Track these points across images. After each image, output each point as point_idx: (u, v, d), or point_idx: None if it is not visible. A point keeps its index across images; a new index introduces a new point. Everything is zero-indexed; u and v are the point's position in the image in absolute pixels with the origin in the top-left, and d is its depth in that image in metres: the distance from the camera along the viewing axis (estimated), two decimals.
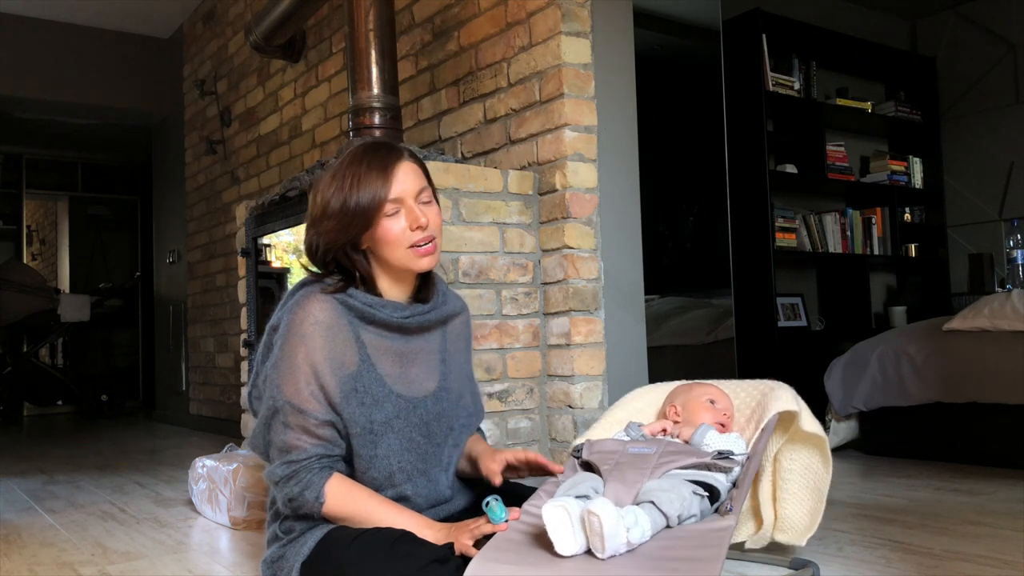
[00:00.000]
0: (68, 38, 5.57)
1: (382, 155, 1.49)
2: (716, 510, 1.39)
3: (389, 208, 1.46)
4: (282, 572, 1.42)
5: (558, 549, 1.21)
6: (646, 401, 1.85)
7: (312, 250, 1.51)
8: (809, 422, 1.64)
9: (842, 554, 1.85)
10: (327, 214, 1.46)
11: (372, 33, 2.60)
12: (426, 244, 1.48)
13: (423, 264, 1.49)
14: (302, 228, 2.70)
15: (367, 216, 1.45)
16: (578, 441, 1.68)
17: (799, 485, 1.71)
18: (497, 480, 1.51)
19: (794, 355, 4.24)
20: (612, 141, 2.66)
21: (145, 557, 2.06)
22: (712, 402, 1.69)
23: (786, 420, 1.67)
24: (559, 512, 1.22)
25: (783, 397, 1.65)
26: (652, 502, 1.30)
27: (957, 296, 5.02)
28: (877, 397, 3.24)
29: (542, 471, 1.53)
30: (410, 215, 1.46)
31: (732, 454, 1.51)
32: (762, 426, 1.61)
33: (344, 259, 1.49)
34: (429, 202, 1.51)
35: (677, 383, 1.83)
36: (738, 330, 3.70)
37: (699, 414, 1.66)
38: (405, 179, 1.48)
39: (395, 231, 1.46)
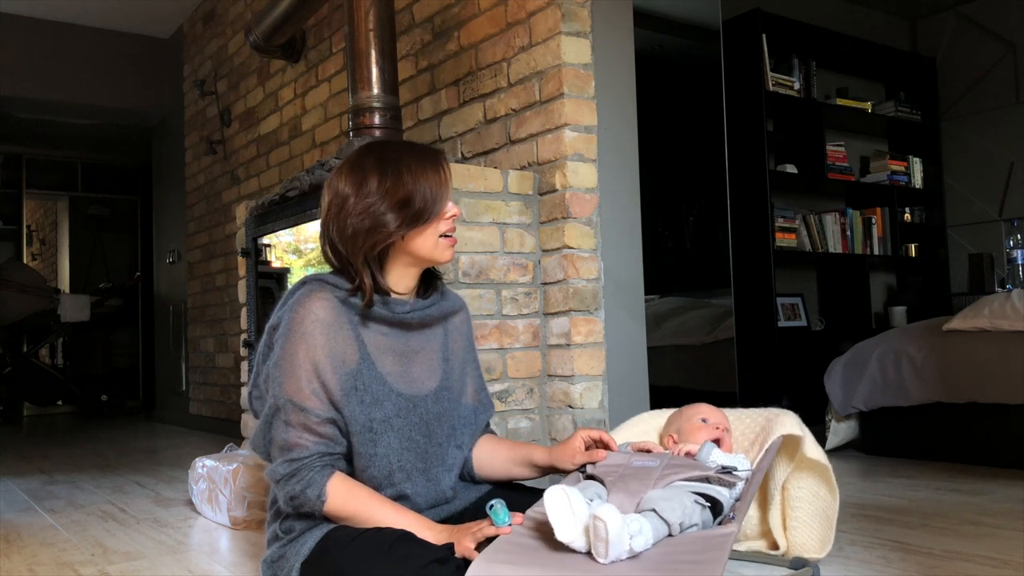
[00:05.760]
0: (68, 38, 5.57)
1: (432, 154, 1.53)
2: (720, 523, 1.39)
3: None
4: (282, 572, 1.42)
5: (556, 534, 1.22)
6: (651, 424, 1.86)
7: (350, 242, 1.48)
8: (812, 449, 1.66)
9: (842, 554, 1.85)
10: (384, 208, 1.46)
11: (372, 33, 2.60)
12: (453, 234, 1.53)
13: (448, 254, 1.54)
14: (302, 228, 2.72)
15: (433, 213, 1.49)
16: None
17: (807, 513, 1.74)
18: (579, 459, 1.55)
19: (794, 355, 4.24)
20: (612, 141, 2.66)
21: (145, 557, 2.07)
22: (704, 420, 1.70)
23: (791, 447, 1.69)
24: (559, 495, 1.22)
25: (787, 423, 1.67)
26: (654, 510, 1.30)
27: (957, 296, 5.02)
28: (877, 397, 3.24)
29: (605, 448, 1.57)
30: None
31: (736, 470, 1.51)
32: (766, 447, 1.62)
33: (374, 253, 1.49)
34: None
35: (675, 410, 1.84)
36: (738, 330, 3.70)
37: (694, 435, 1.68)
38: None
39: (435, 222, 1.51)
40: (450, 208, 1.52)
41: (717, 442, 1.64)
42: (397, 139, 1.62)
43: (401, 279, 1.54)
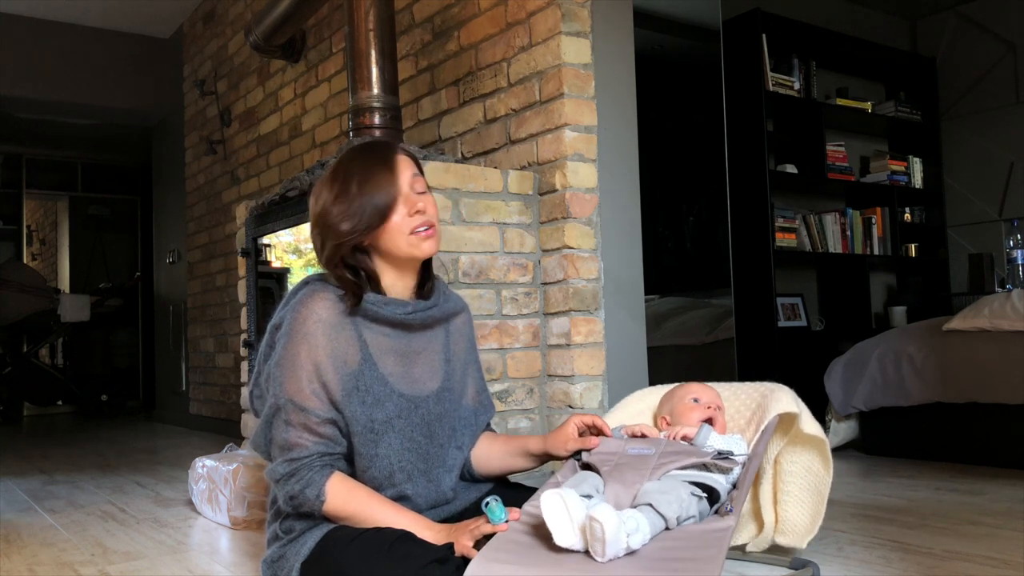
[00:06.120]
0: (68, 38, 5.57)
1: (381, 153, 1.52)
2: (716, 511, 1.39)
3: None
4: (282, 572, 1.42)
5: (555, 539, 1.21)
6: (646, 403, 1.85)
7: (320, 252, 1.52)
8: (809, 424, 1.64)
9: (842, 554, 1.85)
10: (335, 216, 1.47)
11: (372, 33, 2.60)
12: (426, 229, 1.50)
13: (425, 248, 1.51)
14: (302, 228, 2.72)
15: (382, 214, 1.47)
16: None
17: (800, 487, 1.71)
18: (572, 446, 1.55)
19: (794, 355, 4.24)
20: (612, 141, 2.66)
21: (145, 557, 2.07)
22: (696, 400, 1.69)
23: (786, 422, 1.67)
24: (555, 500, 1.22)
25: (783, 399, 1.65)
26: (650, 505, 1.29)
27: (957, 296, 5.02)
28: (877, 397, 3.24)
29: (599, 434, 1.57)
30: (407, 202, 1.49)
31: (732, 454, 1.51)
32: (762, 428, 1.61)
33: (350, 258, 1.50)
34: (423, 191, 1.53)
35: (668, 388, 1.83)
36: (738, 330, 3.70)
37: (686, 416, 1.67)
38: (403, 170, 1.51)
39: (395, 220, 1.49)
40: (412, 203, 1.49)
41: (710, 421, 1.63)
42: (371, 140, 1.63)
43: (396, 281, 1.54)
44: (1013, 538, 1.95)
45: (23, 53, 5.41)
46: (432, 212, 1.52)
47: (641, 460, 1.45)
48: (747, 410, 1.73)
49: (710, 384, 1.77)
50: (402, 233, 1.49)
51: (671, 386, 1.82)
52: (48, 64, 5.51)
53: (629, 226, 2.70)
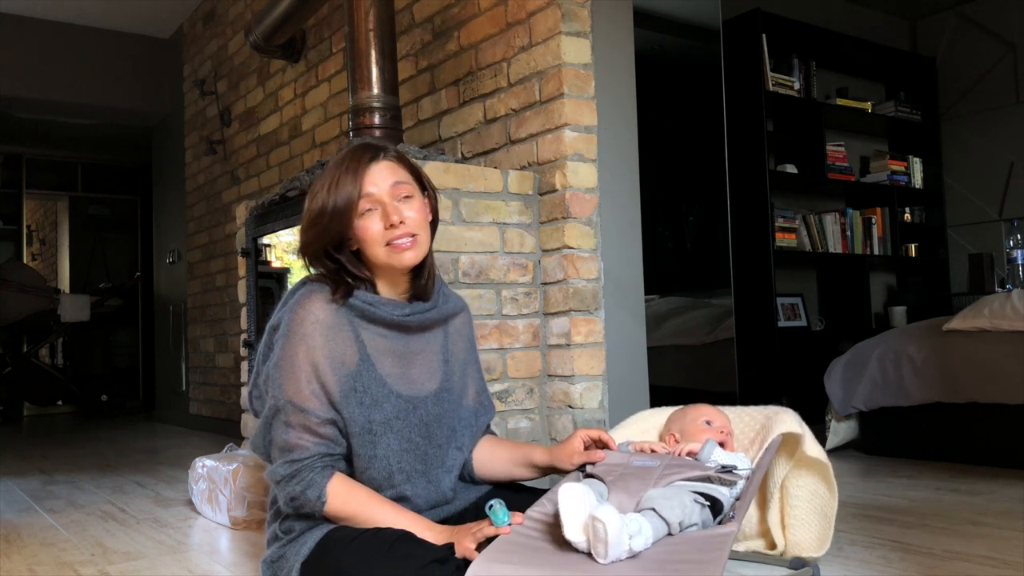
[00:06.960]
0: (68, 38, 5.57)
1: (358, 156, 1.50)
2: (719, 522, 1.39)
3: (363, 206, 1.47)
4: (282, 572, 1.42)
5: (565, 531, 1.22)
6: (651, 423, 1.86)
7: (301, 252, 1.53)
8: (812, 447, 1.66)
9: (842, 554, 1.85)
10: (311, 218, 1.49)
11: (372, 33, 2.60)
12: (403, 240, 1.47)
13: (404, 259, 1.49)
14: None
15: (342, 218, 1.47)
16: None
17: (806, 511, 1.74)
18: (578, 459, 1.54)
19: (794, 355, 4.24)
20: (612, 141, 2.66)
21: (145, 557, 2.07)
22: (708, 423, 1.70)
23: (791, 445, 1.69)
24: (575, 491, 1.23)
25: (787, 420, 1.67)
26: (654, 509, 1.29)
27: (957, 296, 5.02)
28: (877, 397, 3.24)
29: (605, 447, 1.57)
30: (382, 213, 1.48)
31: (736, 468, 1.51)
32: (766, 445, 1.62)
33: (334, 260, 1.50)
34: (408, 197, 1.50)
35: (676, 408, 1.84)
36: (738, 330, 3.70)
37: (697, 437, 1.67)
38: (378, 178, 1.48)
39: (372, 230, 1.47)
40: (387, 216, 1.46)
41: (721, 445, 1.64)
42: (363, 141, 1.63)
43: (391, 287, 1.55)
44: (1013, 538, 1.95)
45: (23, 53, 5.41)
46: (415, 219, 1.49)
47: (645, 471, 1.45)
48: (751, 431, 1.75)
49: (720, 408, 1.78)
50: (378, 244, 1.48)
51: (678, 407, 1.83)
52: (48, 64, 5.51)
53: (629, 226, 2.70)
